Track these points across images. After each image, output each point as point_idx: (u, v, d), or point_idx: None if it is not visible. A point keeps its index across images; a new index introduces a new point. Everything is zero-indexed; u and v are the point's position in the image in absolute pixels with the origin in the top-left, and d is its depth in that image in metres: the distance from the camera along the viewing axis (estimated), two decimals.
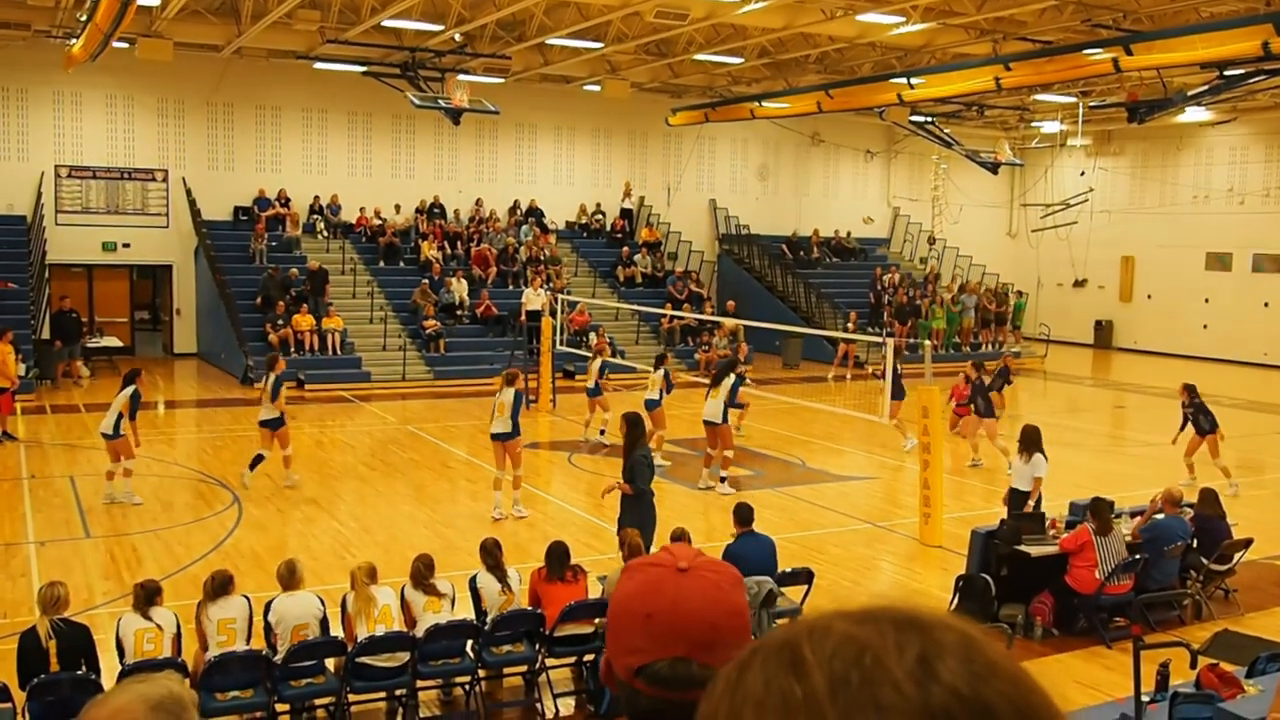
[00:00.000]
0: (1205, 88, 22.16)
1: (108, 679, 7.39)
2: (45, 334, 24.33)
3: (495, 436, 13.47)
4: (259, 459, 14.59)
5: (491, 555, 8.83)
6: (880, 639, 0.84)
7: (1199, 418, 15.94)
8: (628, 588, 1.46)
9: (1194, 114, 29.73)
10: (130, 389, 13.83)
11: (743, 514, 9.68)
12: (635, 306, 28.04)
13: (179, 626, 7.77)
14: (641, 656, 1.40)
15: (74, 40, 22.27)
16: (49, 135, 26.43)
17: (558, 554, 8.91)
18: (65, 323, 24.18)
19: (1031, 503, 12.01)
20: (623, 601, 1.45)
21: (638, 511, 10.34)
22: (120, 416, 13.70)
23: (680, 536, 9.15)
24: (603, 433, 18.21)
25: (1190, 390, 16.08)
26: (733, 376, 15.48)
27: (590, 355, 19.28)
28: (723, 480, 15.10)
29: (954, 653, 0.83)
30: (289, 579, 8.13)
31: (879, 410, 15.66)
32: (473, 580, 8.80)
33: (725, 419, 15.19)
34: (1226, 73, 20.64)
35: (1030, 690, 0.83)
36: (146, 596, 7.71)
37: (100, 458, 15.82)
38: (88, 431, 18.79)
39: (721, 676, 0.90)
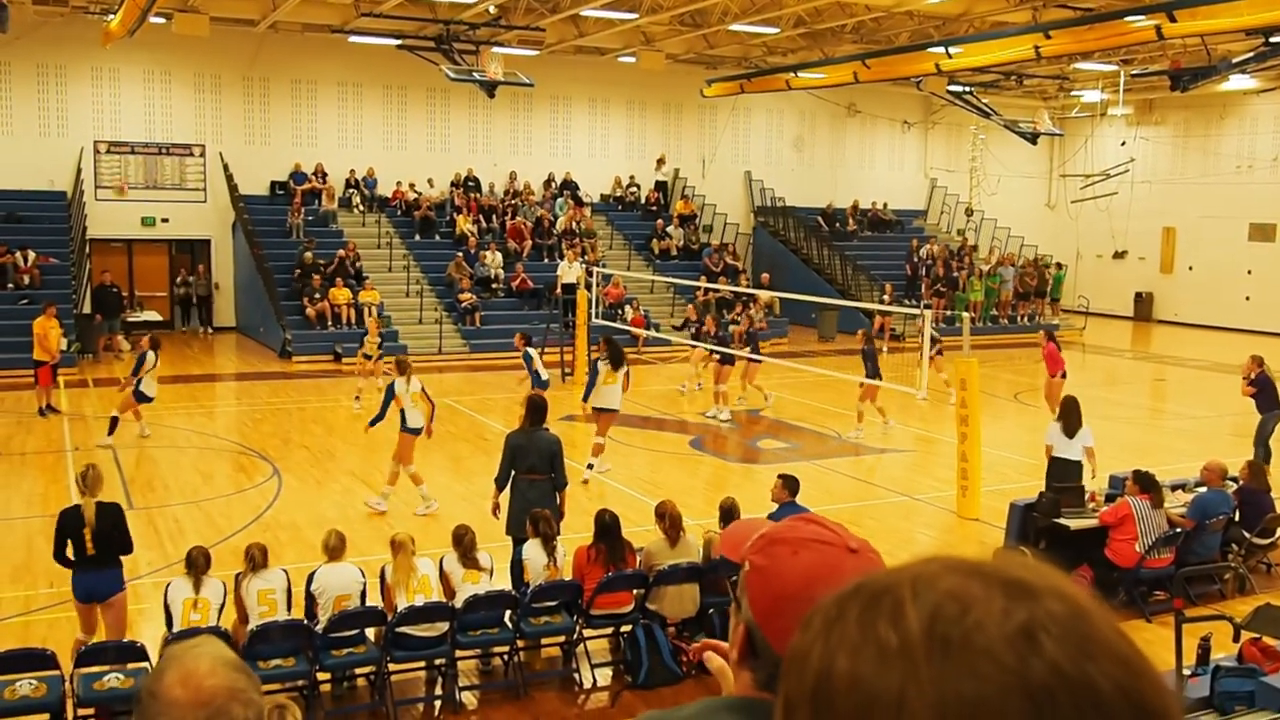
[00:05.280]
0: (1250, 55, 21.78)
1: (152, 647, 7.50)
2: (86, 308, 24.61)
3: (414, 430, 12.78)
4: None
5: (550, 525, 8.82)
6: (986, 601, 0.80)
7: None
8: (799, 567, 1.39)
9: (1238, 82, 29.23)
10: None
11: (791, 485, 9.64)
12: (670, 279, 27.98)
13: (225, 596, 7.87)
14: None
15: (111, 16, 22.40)
16: (88, 111, 26.63)
17: (606, 529, 8.85)
18: (106, 297, 24.42)
19: (1090, 474, 11.82)
20: (796, 582, 1.37)
21: (522, 496, 9.81)
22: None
23: (730, 507, 9.14)
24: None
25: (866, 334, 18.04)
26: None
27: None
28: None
29: (1062, 625, 0.79)
30: (339, 549, 8.21)
31: (914, 383, 15.58)
32: (518, 551, 8.82)
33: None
34: (1272, 39, 20.28)
35: (1140, 674, 0.79)
36: (201, 564, 7.81)
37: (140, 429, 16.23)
38: (129, 404, 18.99)
39: (819, 612, 0.88)
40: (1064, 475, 11.51)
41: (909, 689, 0.78)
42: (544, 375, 16.19)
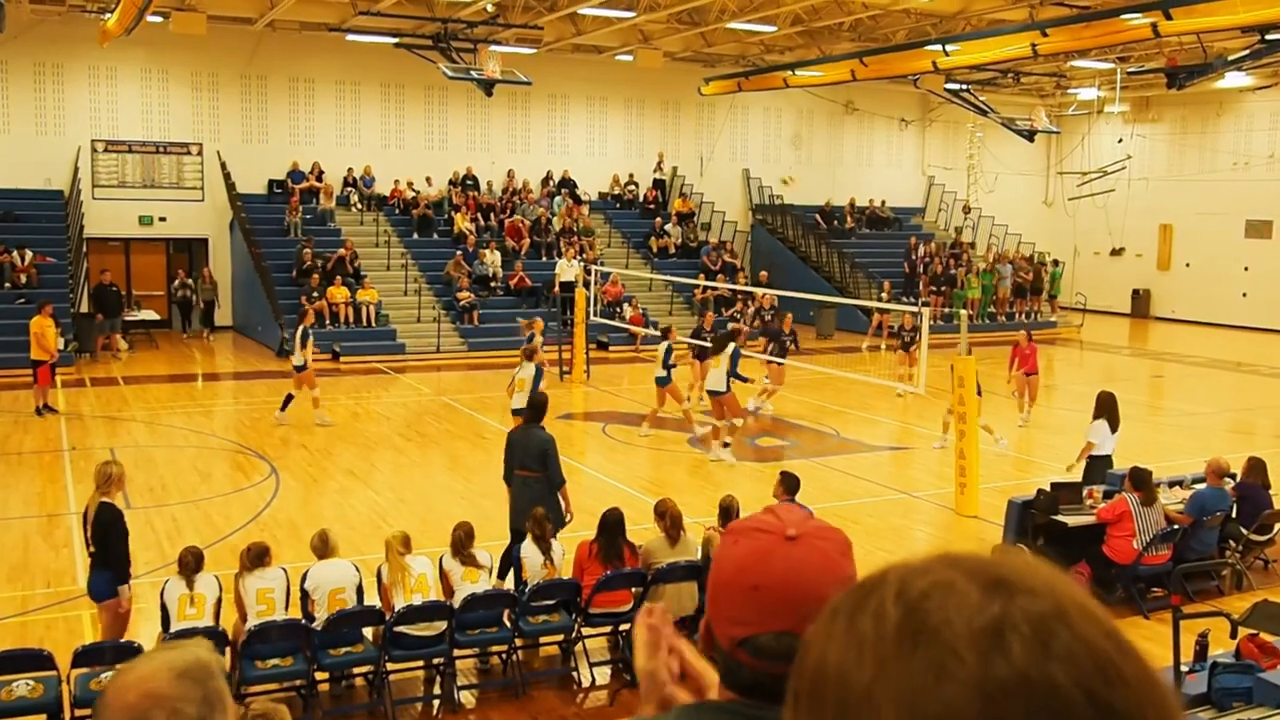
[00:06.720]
0: (1246, 52, 21.79)
1: (149, 647, 7.50)
2: (84, 308, 24.57)
3: (519, 411, 13.45)
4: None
5: (541, 526, 8.82)
6: (962, 596, 0.78)
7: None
8: (734, 555, 1.38)
9: (1234, 79, 29.24)
10: None
11: (790, 483, 9.62)
12: (668, 277, 27.98)
13: (221, 591, 7.86)
14: (746, 628, 1.33)
15: (109, 15, 22.38)
16: (85, 110, 26.60)
17: (605, 526, 8.85)
18: (105, 296, 24.38)
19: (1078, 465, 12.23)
20: (728, 570, 1.37)
21: (517, 492, 9.90)
22: None
23: (729, 505, 9.12)
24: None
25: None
26: (732, 346, 15.65)
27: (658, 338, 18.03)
28: (726, 445, 15.43)
29: (1034, 625, 0.76)
30: (322, 549, 8.20)
31: (914, 381, 15.61)
32: (516, 550, 8.82)
33: (728, 388, 15.45)
34: (1268, 36, 20.28)
35: (1115, 680, 0.76)
36: (191, 564, 7.80)
37: (138, 429, 16.12)
38: (127, 404, 19.01)
39: (833, 604, 0.87)
40: (1100, 471, 11.76)
41: (876, 683, 0.78)
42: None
